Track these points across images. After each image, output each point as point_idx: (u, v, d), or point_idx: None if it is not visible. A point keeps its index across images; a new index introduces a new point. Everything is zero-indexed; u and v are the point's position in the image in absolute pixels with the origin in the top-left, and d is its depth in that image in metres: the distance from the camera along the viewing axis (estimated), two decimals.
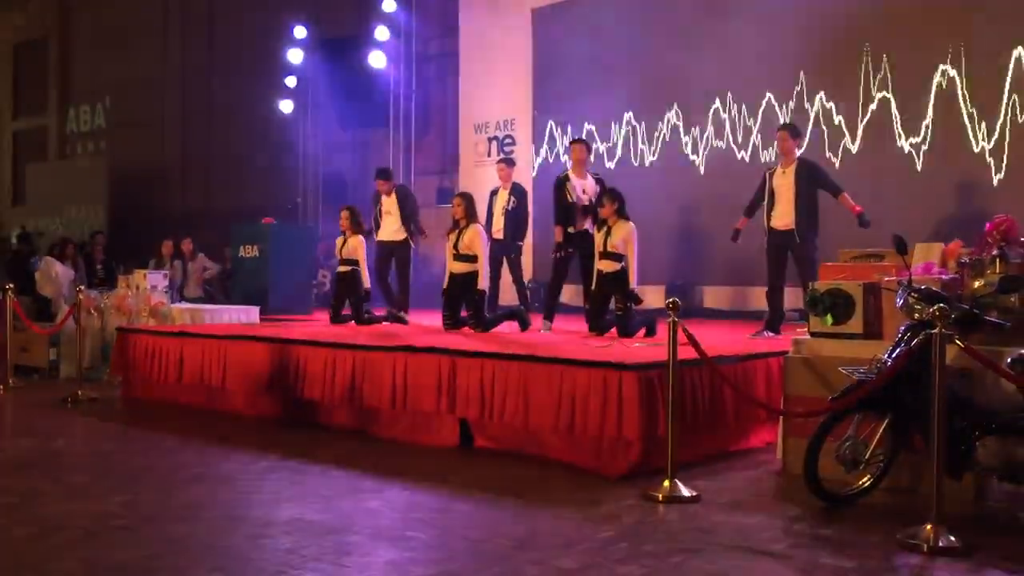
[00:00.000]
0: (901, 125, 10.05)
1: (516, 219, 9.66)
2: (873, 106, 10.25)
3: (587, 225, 8.41)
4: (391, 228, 10.10)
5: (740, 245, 8.72)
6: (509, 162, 10.08)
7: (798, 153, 8.30)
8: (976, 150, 9.50)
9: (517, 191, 9.74)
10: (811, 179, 8.05)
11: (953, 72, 9.68)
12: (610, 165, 12.39)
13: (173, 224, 16.73)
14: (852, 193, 8.18)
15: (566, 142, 13.01)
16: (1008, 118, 9.33)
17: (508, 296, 10.32)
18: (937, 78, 9.79)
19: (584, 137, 10.30)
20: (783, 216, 8.02)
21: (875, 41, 10.24)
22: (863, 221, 7.96)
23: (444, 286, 8.56)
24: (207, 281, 13.63)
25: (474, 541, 4.10)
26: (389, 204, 10.13)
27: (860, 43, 10.30)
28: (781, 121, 10.24)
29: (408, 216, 10.10)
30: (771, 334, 7.88)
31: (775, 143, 8.26)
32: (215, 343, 7.65)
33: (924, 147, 9.87)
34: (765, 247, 8.25)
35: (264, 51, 16.63)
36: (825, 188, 8.16)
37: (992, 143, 9.42)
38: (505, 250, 9.66)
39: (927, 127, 9.86)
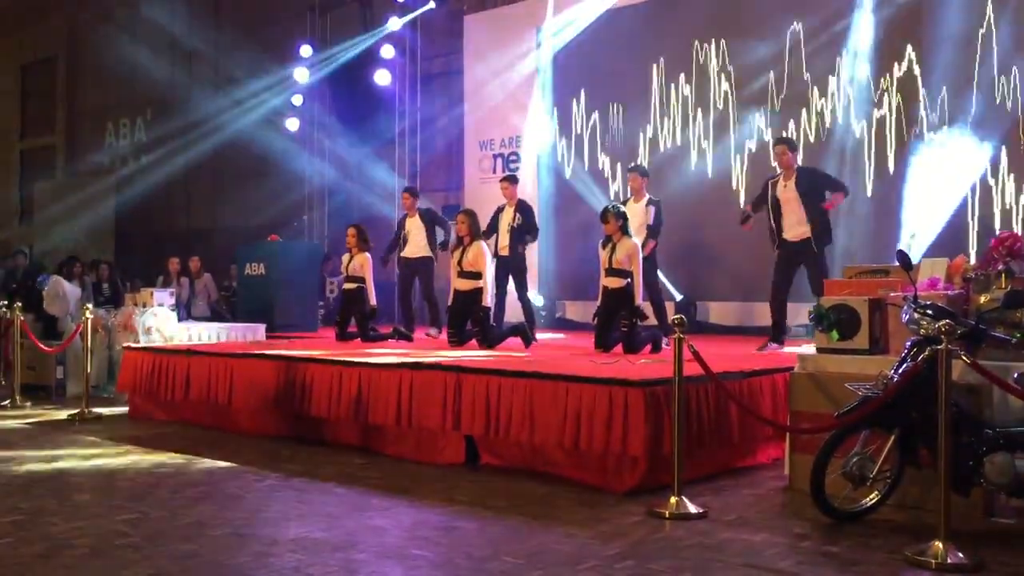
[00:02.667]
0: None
1: (523, 235, 9.66)
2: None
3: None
4: (415, 246, 10.22)
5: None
6: (512, 179, 10.08)
7: (797, 164, 8.38)
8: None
9: (523, 208, 9.75)
10: (813, 184, 8.12)
11: None
12: (617, 182, 12.44)
13: (180, 242, 16.81)
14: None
15: (568, 161, 13.07)
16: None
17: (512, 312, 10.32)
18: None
19: (638, 164, 10.41)
20: (796, 227, 8.06)
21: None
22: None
23: (449, 303, 8.58)
24: (213, 301, 13.68)
25: (480, 559, 4.09)
26: (412, 225, 10.24)
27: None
28: (783, 134, 10.27)
29: (432, 233, 10.25)
30: (776, 346, 7.88)
31: (775, 157, 8.30)
32: (221, 361, 7.66)
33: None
34: (776, 258, 8.25)
35: (271, 69, 16.71)
36: (829, 188, 8.22)
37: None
38: (510, 267, 9.66)
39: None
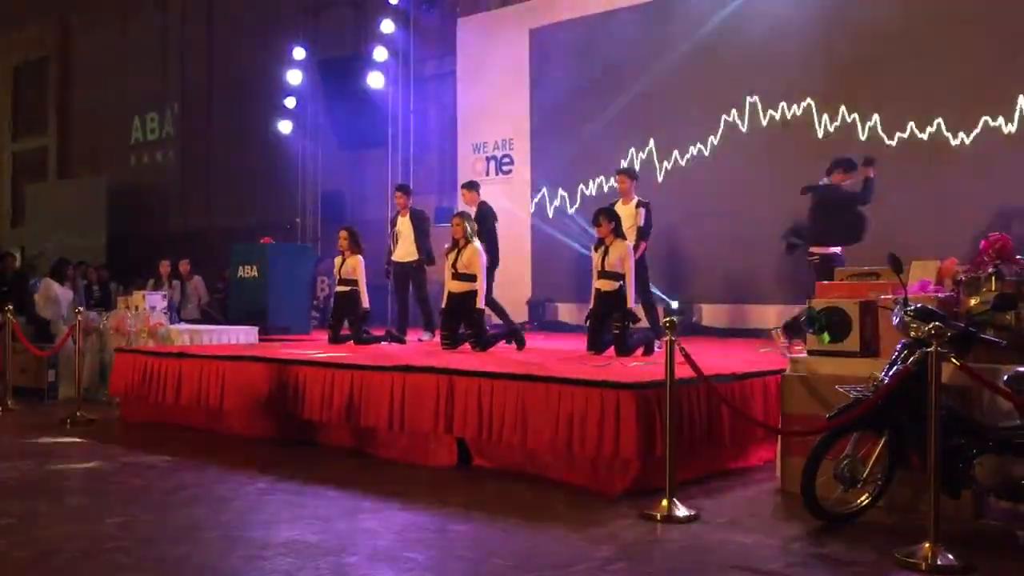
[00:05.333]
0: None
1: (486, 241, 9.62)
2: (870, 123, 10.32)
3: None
4: (405, 249, 10.12)
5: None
6: (471, 185, 10.03)
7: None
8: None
9: (479, 214, 9.61)
10: None
11: None
12: (609, 184, 12.45)
13: (173, 244, 16.78)
14: None
15: (561, 164, 13.08)
16: None
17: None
18: None
19: (626, 166, 10.40)
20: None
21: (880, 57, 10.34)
22: None
23: (443, 305, 8.57)
24: (204, 304, 13.65)
25: (472, 561, 4.10)
26: (403, 225, 10.16)
27: (867, 59, 10.39)
28: (776, 138, 10.32)
29: (419, 238, 10.11)
30: None
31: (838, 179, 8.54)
32: (214, 364, 7.65)
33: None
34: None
35: (263, 72, 16.71)
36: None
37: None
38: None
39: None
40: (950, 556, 3.95)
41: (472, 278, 8.33)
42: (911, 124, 10.00)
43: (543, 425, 5.52)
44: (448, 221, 9.13)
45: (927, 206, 9.78)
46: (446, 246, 8.58)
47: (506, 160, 13.86)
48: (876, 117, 10.30)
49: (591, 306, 8.01)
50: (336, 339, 9.43)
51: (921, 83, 9.96)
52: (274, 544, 4.32)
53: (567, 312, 12.78)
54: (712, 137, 11.57)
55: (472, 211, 9.63)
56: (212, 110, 18.75)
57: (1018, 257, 5.05)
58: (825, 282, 5.95)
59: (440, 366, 6.29)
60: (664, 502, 4.81)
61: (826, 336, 5.28)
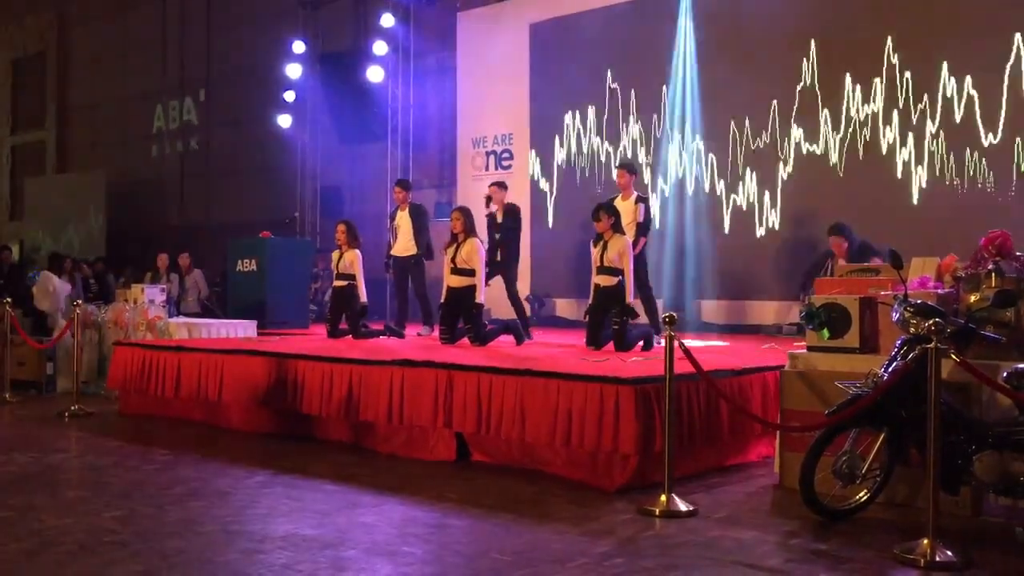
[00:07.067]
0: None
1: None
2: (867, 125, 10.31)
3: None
4: (404, 243, 10.13)
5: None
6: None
7: None
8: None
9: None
10: None
11: None
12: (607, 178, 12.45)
13: (172, 238, 16.77)
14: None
15: (560, 159, 13.07)
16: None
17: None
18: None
19: (626, 161, 10.40)
20: None
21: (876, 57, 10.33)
22: None
23: (442, 300, 8.57)
24: (204, 297, 13.65)
25: (470, 556, 4.09)
26: (403, 219, 10.17)
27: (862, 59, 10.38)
28: (776, 134, 10.28)
29: (418, 232, 10.12)
30: None
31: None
32: (212, 357, 7.64)
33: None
34: None
35: (263, 66, 16.68)
36: None
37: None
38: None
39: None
40: (949, 552, 3.95)
41: (471, 273, 8.32)
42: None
43: (542, 420, 5.51)
44: (447, 216, 9.12)
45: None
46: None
47: (505, 155, 13.84)
48: (880, 110, 10.28)
49: (590, 301, 8.01)
50: (334, 333, 9.42)
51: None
52: (272, 538, 4.32)
53: (566, 308, 12.77)
54: (712, 134, 11.55)
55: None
56: (211, 104, 18.72)
57: (1018, 254, 5.05)
58: (825, 278, 5.96)
59: (439, 361, 6.29)
60: (663, 497, 4.81)
61: (826, 332, 5.28)
